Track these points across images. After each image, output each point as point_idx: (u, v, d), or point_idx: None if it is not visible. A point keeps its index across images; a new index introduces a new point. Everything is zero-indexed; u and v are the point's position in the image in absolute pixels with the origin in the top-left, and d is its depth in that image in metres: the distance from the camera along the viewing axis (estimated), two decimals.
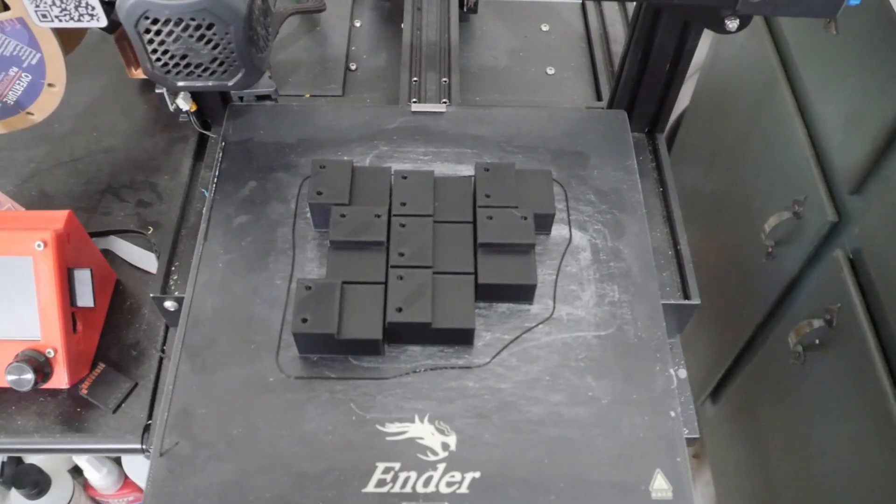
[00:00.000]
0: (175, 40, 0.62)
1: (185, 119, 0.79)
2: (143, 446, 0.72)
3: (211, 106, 0.80)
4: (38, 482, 1.01)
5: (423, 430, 0.59)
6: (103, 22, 0.67)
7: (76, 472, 1.07)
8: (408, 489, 0.57)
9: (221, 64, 0.64)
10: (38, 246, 0.68)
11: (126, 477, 1.05)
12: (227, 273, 0.67)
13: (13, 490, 1.03)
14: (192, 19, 0.61)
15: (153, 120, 0.94)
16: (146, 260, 0.82)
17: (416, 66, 0.87)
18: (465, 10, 0.95)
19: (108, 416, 0.73)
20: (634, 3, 0.73)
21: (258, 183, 0.72)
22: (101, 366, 0.75)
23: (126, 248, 0.83)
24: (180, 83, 0.66)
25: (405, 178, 0.69)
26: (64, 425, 0.73)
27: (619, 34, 0.95)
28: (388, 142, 0.75)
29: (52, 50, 0.75)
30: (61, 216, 0.71)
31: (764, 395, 1.18)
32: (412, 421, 0.59)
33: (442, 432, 0.59)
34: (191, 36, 0.62)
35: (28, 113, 0.81)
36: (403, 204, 0.67)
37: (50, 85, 0.78)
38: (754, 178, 1.19)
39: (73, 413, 0.73)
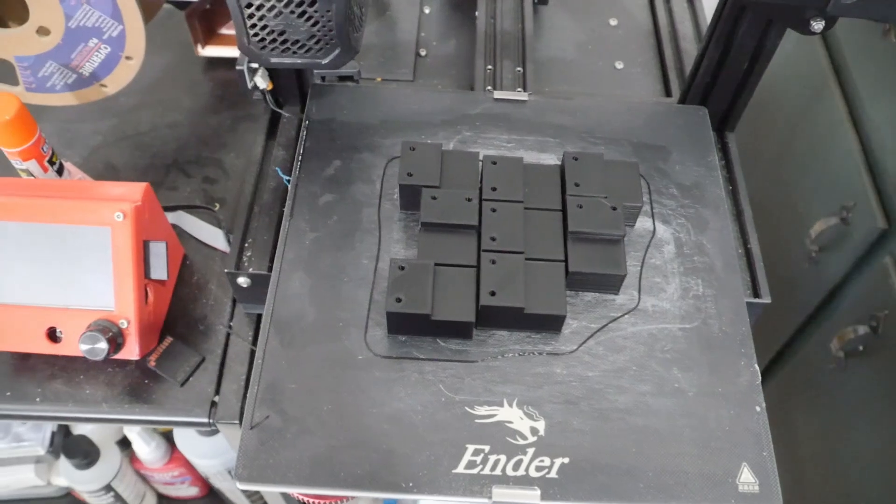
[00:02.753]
0: (276, 15, 0.62)
1: (257, 97, 0.79)
2: (210, 420, 0.72)
3: (286, 85, 0.80)
4: (87, 452, 1.01)
5: (511, 414, 0.59)
6: None
7: (122, 444, 1.07)
8: (498, 472, 0.57)
9: (318, 41, 0.64)
10: (118, 217, 0.68)
11: (174, 450, 1.05)
12: (314, 250, 0.66)
13: (62, 459, 1.03)
14: None
15: (218, 98, 0.94)
16: (213, 236, 0.82)
17: (489, 54, 0.87)
18: (535, 1, 0.96)
19: (175, 389, 0.73)
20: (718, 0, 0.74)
21: (343, 162, 0.72)
22: (169, 339, 0.75)
23: (193, 224, 0.83)
24: (274, 59, 0.66)
25: (495, 163, 0.69)
26: (132, 396, 0.73)
27: (687, 31, 0.95)
28: (470, 127, 0.75)
29: (134, 22, 0.75)
30: (139, 188, 0.71)
31: (800, 399, 1.18)
32: (501, 405, 0.60)
33: (531, 417, 0.59)
34: (292, 12, 0.62)
35: (102, 85, 0.81)
36: (494, 189, 0.67)
37: (128, 58, 0.78)
38: (799, 184, 1.19)
39: (141, 385, 0.73)
